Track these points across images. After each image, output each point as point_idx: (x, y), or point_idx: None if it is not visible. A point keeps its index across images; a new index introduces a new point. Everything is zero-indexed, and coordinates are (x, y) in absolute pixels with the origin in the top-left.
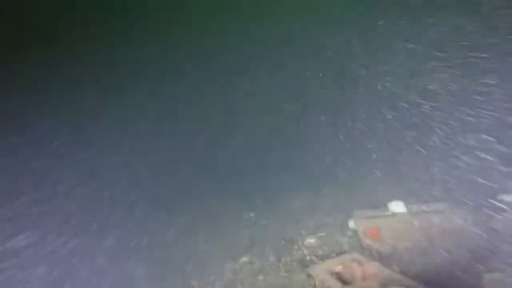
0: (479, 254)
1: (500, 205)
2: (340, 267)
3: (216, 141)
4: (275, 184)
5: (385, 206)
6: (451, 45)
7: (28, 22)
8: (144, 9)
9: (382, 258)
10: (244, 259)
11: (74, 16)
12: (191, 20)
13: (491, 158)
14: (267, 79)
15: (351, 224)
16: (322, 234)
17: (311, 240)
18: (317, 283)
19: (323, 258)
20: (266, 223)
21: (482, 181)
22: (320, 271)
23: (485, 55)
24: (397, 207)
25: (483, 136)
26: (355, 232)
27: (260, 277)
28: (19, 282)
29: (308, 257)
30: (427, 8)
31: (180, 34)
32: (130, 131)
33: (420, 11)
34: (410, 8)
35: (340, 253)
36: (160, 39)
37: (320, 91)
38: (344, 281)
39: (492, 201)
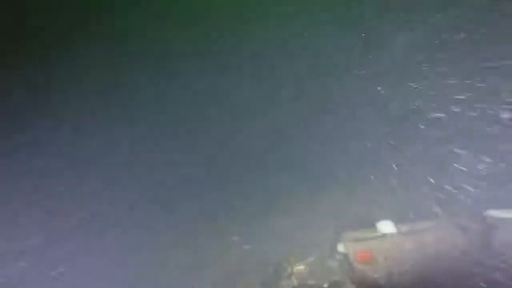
0: (475, 275)
1: (490, 221)
2: None
3: (206, 146)
4: (257, 202)
5: (374, 226)
6: (451, 46)
7: (27, 22)
8: (144, 8)
9: (375, 285)
10: None
11: (74, 16)
12: (193, 19)
13: (481, 173)
14: (267, 80)
15: (341, 247)
16: (311, 258)
17: (300, 267)
18: None
19: None
20: (250, 246)
21: (470, 197)
22: None
23: (485, 55)
24: (386, 227)
25: (473, 149)
26: (345, 255)
27: None
28: (19, 281)
29: None
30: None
31: (182, 33)
32: (129, 131)
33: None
34: (410, 9)
35: (332, 282)
36: (161, 39)
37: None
38: None
39: (482, 217)
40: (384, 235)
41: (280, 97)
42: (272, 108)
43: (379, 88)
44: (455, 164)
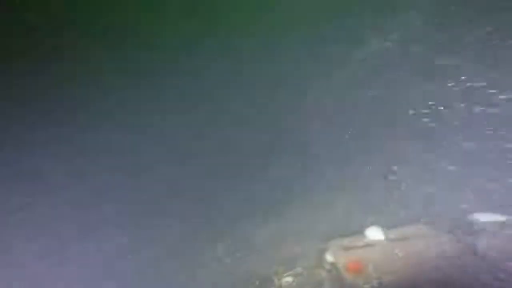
0: (465, 282)
1: (477, 225)
2: None
3: (186, 152)
4: (240, 210)
5: (362, 233)
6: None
7: (26, 22)
8: (146, 8)
9: None
10: None
11: (74, 16)
12: (195, 19)
13: (463, 175)
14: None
15: (329, 257)
16: (299, 269)
17: (288, 279)
18: None
19: None
20: (234, 257)
21: (454, 199)
22: None
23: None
24: (374, 233)
25: (456, 152)
26: (334, 265)
27: None
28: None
29: None
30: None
31: (184, 33)
32: (125, 133)
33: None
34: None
35: None
36: (161, 38)
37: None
38: None
39: (467, 221)
40: (373, 243)
41: (268, 99)
42: (259, 110)
43: (369, 89)
44: (442, 167)
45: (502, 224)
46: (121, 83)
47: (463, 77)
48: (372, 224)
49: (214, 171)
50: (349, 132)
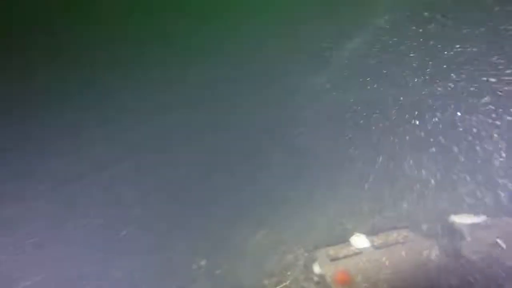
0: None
1: (457, 228)
2: None
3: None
4: (223, 220)
5: (347, 240)
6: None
7: (26, 22)
8: (147, 10)
9: None
10: None
11: (75, 16)
12: (195, 19)
13: (447, 179)
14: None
15: (316, 268)
16: (286, 282)
17: None
18: None
19: None
20: (219, 272)
21: (430, 201)
22: None
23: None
24: (360, 241)
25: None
26: (322, 277)
27: None
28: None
29: None
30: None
31: (184, 33)
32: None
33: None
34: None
35: None
36: (162, 41)
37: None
38: None
39: (451, 224)
40: (359, 251)
41: (258, 103)
42: (246, 116)
43: (367, 90)
44: (420, 171)
45: (486, 226)
46: (120, 84)
47: (458, 77)
48: (356, 231)
49: (190, 180)
50: (346, 138)
